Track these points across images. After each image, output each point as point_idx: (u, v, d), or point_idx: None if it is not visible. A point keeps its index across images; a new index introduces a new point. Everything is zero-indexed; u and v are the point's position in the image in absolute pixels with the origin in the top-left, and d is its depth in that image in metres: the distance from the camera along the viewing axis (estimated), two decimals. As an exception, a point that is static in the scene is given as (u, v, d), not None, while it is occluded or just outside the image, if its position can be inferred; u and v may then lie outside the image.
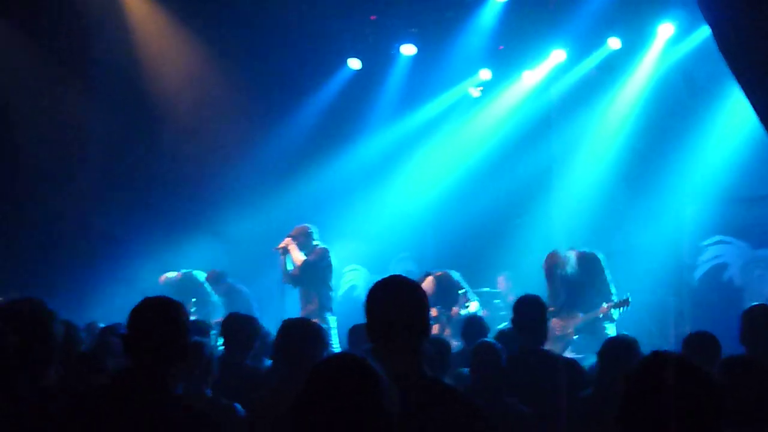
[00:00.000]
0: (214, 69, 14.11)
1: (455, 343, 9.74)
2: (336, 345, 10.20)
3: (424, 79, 14.40)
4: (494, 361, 5.55)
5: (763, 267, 11.96)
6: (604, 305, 9.53)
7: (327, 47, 14.07)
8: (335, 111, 14.74)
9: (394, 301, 3.38)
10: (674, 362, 2.66)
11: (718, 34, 7.77)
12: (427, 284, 10.72)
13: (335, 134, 14.66)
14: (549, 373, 5.81)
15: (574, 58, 13.36)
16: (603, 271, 9.75)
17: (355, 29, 13.91)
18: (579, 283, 9.81)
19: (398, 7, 13.35)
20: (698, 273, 12.31)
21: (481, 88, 14.55)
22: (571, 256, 9.86)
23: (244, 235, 13.87)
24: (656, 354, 2.72)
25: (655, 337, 11.43)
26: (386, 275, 3.53)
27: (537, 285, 9.58)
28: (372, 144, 14.72)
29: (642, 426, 2.62)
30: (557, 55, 13.37)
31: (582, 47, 13.12)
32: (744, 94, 7.75)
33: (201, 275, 12.75)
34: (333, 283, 11.29)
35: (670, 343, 11.20)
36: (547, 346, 6.53)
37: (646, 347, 5.26)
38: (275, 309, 11.37)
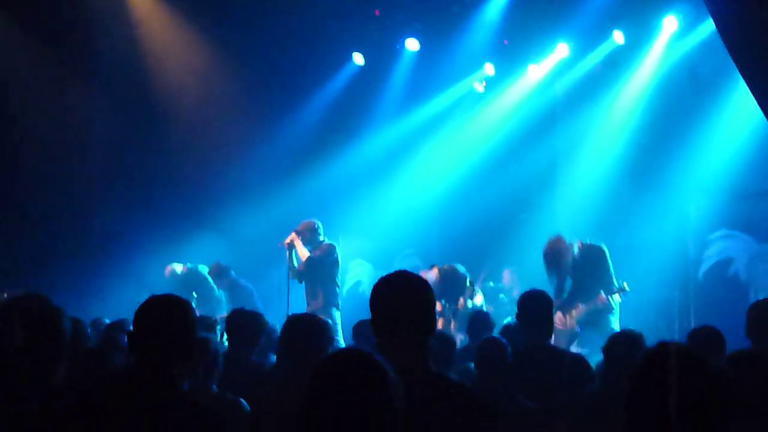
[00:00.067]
0: (217, 66, 14.11)
1: (461, 337, 9.76)
2: (341, 341, 10.21)
3: (429, 75, 14.40)
4: (500, 356, 5.54)
5: (768, 261, 11.96)
6: (602, 294, 9.51)
7: (331, 43, 14.07)
8: (340, 107, 14.75)
9: (399, 296, 3.38)
10: (678, 353, 2.65)
11: (723, 28, 7.77)
12: (431, 276, 10.74)
13: (340, 130, 14.66)
14: (554, 368, 5.81)
15: (579, 53, 13.34)
16: (606, 263, 9.73)
17: (359, 25, 13.91)
18: (582, 274, 9.80)
19: (402, 2, 13.36)
20: (703, 268, 12.28)
21: (484, 83, 14.53)
22: (575, 247, 9.84)
23: (249, 231, 13.88)
24: (661, 345, 2.71)
25: (661, 332, 11.42)
26: (391, 271, 3.53)
27: (542, 280, 9.57)
28: (377, 140, 14.71)
29: (647, 417, 2.61)
30: (561, 50, 13.35)
31: (586, 42, 13.10)
32: (748, 87, 7.75)
33: (205, 270, 12.77)
34: (339, 279, 11.30)
35: (675, 338, 11.18)
36: (551, 340, 6.53)
37: (651, 342, 5.24)
38: (280, 305, 11.39)
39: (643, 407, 2.62)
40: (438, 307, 9.91)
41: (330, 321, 9.37)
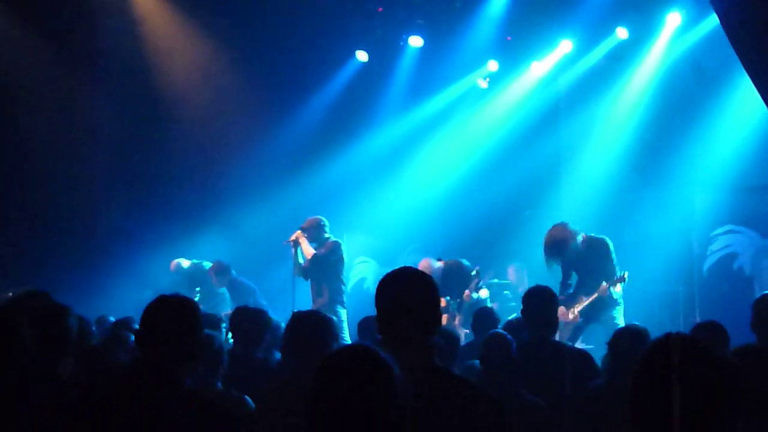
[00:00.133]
0: (221, 63, 14.12)
1: (465, 331, 9.77)
2: (347, 338, 10.22)
3: (432, 71, 14.39)
4: (505, 352, 5.53)
5: (773, 256, 11.96)
6: (604, 284, 9.50)
7: (334, 40, 14.08)
8: (343, 104, 14.74)
9: (404, 293, 3.38)
10: (683, 342, 2.64)
11: (727, 22, 7.77)
12: (431, 264, 10.78)
13: (344, 127, 14.66)
14: (559, 363, 5.81)
15: (582, 49, 13.33)
16: (610, 255, 9.72)
17: (362, 22, 13.90)
18: (587, 268, 9.80)
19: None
20: (708, 262, 12.28)
21: (488, 79, 14.53)
22: (579, 237, 9.84)
23: (254, 228, 13.89)
24: (666, 335, 2.70)
25: (666, 326, 11.39)
26: (396, 268, 3.53)
27: (547, 276, 9.57)
28: (380, 136, 14.71)
29: (652, 407, 2.61)
30: (565, 46, 13.34)
31: (590, 37, 13.09)
32: (752, 81, 7.75)
33: (209, 266, 12.77)
34: (344, 276, 11.29)
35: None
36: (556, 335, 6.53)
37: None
38: (286, 302, 11.40)
39: (648, 397, 2.61)
40: (442, 302, 9.92)
41: (335, 318, 9.41)
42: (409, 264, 3.76)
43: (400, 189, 14.81)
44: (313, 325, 5.12)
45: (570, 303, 9.78)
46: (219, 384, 5.33)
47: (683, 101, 12.45)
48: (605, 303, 9.60)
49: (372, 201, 14.55)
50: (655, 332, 5.53)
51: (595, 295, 9.58)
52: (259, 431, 4.65)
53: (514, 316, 8.22)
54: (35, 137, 13.15)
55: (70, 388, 4.35)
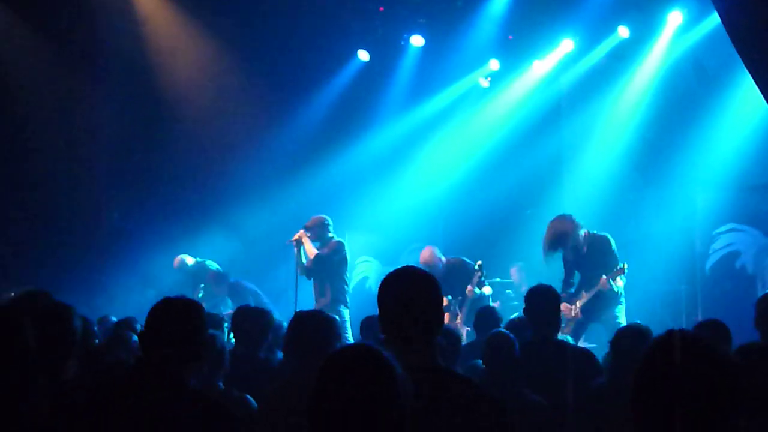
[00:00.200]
0: (223, 63, 14.12)
1: (467, 329, 9.76)
2: (350, 338, 10.21)
3: (434, 70, 14.40)
4: (508, 351, 5.54)
5: (775, 254, 11.95)
6: (603, 277, 9.49)
7: (336, 40, 14.08)
8: (345, 103, 14.74)
9: (407, 292, 3.38)
10: (684, 339, 2.64)
11: (728, 21, 7.77)
12: (432, 254, 10.80)
13: (345, 127, 14.66)
14: (562, 362, 5.81)
15: (584, 48, 13.33)
16: (612, 251, 9.72)
17: (363, 21, 13.90)
18: (589, 266, 9.80)
19: (406, -1, 13.38)
20: (711, 261, 12.27)
21: (489, 78, 14.53)
22: (581, 231, 9.83)
23: (256, 227, 13.89)
24: (668, 332, 2.70)
25: (668, 325, 11.32)
26: (398, 267, 3.53)
27: (550, 275, 9.56)
28: (382, 135, 14.71)
29: (654, 404, 2.60)
30: (566, 45, 13.34)
31: (591, 36, 13.10)
32: (753, 79, 7.75)
33: (213, 265, 12.76)
34: (347, 276, 11.28)
35: (682, 331, 11.15)
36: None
37: (659, 336, 5.24)
38: (288, 301, 11.40)
39: (650, 395, 2.61)
40: (444, 302, 9.91)
41: (338, 318, 9.40)
42: (411, 263, 3.76)
43: (402, 188, 14.81)
44: (315, 325, 5.12)
45: (572, 300, 9.78)
46: (221, 384, 5.33)
47: (685, 100, 12.45)
48: (606, 297, 9.57)
49: (373, 200, 14.55)
50: (657, 331, 5.52)
51: (596, 289, 9.57)
52: (262, 431, 4.66)
53: (516, 315, 8.23)
54: (36, 137, 13.15)
55: (73, 389, 4.35)
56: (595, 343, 9.45)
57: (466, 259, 11.02)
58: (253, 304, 8.85)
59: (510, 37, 13.69)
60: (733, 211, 12.12)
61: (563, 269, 10.15)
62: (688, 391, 2.52)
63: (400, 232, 14.80)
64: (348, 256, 11.22)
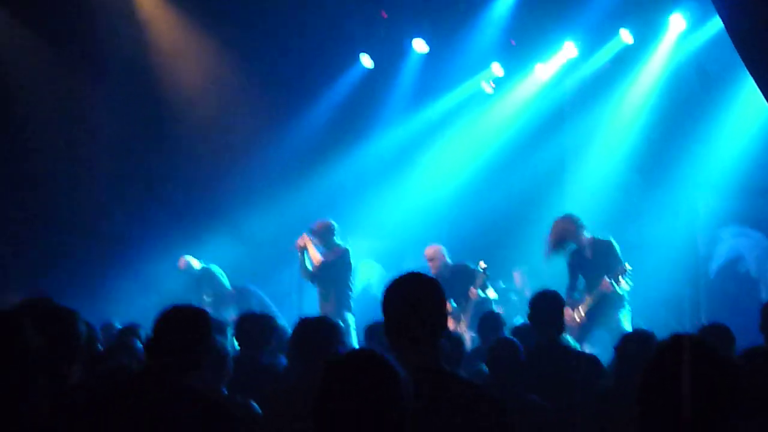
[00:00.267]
0: (225, 67, 14.13)
1: (471, 334, 9.74)
2: (354, 344, 10.19)
3: (437, 75, 14.40)
4: (512, 356, 5.54)
5: (779, 257, 11.95)
6: (605, 279, 9.48)
7: (338, 44, 14.09)
8: (348, 108, 14.74)
9: (411, 295, 3.40)
10: (691, 343, 2.65)
11: (729, 21, 7.77)
12: (437, 250, 10.80)
13: (348, 131, 14.66)
14: (567, 367, 5.81)
15: (586, 52, 13.32)
16: (616, 254, 9.72)
17: (366, 26, 13.91)
18: (592, 269, 9.80)
19: (409, 3, 13.36)
20: (714, 264, 12.26)
21: (493, 84, 14.53)
22: (585, 233, 9.84)
23: (259, 232, 13.88)
24: (674, 336, 2.72)
25: (672, 329, 11.36)
26: (401, 272, 3.54)
27: (553, 280, 9.56)
28: (385, 140, 14.71)
29: (660, 407, 2.61)
30: (569, 49, 13.34)
31: (594, 40, 13.09)
32: (756, 83, 7.74)
33: (217, 270, 12.75)
34: (352, 282, 11.26)
35: (686, 335, 11.13)
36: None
37: (663, 340, 5.24)
38: (293, 306, 11.39)
39: (656, 397, 2.62)
40: (448, 307, 9.90)
41: (343, 324, 9.40)
42: (415, 268, 3.77)
43: (406, 192, 14.79)
44: (319, 330, 5.13)
45: (577, 305, 9.77)
46: (224, 390, 5.33)
47: (687, 104, 12.45)
48: (610, 300, 9.57)
49: (377, 205, 14.53)
50: (661, 334, 5.53)
51: (599, 292, 9.57)
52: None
53: (520, 319, 8.23)
54: (37, 140, 13.16)
55: (74, 389, 4.37)
56: (599, 348, 9.44)
57: (470, 265, 11.02)
58: (258, 310, 8.84)
59: (513, 41, 13.69)
60: (737, 214, 12.12)
61: (568, 275, 10.15)
62: (693, 394, 2.53)
63: (404, 237, 14.78)
64: (353, 263, 11.20)
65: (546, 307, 6.17)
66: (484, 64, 14.20)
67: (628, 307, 9.72)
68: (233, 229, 14.11)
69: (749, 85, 9.30)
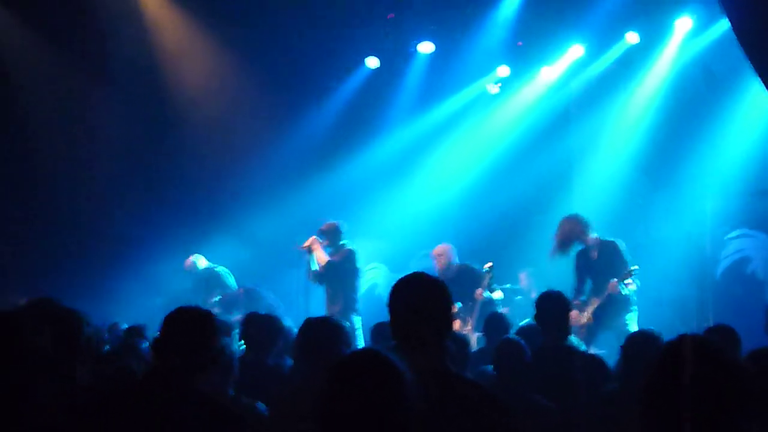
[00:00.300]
0: (231, 68, 14.15)
1: (477, 335, 9.73)
2: (361, 345, 10.18)
3: (443, 77, 14.40)
4: (518, 357, 5.54)
5: (786, 260, 11.92)
6: (613, 280, 9.47)
7: (345, 46, 14.09)
8: (354, 110, 14.75)
9: (417, 297, 3.40)
10: (694, 343, 2.64)
11: (738, 25, 7.75)
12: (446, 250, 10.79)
13: (354, 133, 14.66)
14: (573, 368, 5.80)
15: (593, 53, 13.33)
16: (621, 255, 9.71)
17: (372, 28, 13.91)
18: (599, 271, 9.79)
19: (415, 5, 13.36)
20: (721, 266, 12.23)
21: (500, 84, 14.52)
22: (592, 233, 9.84)
23: (265, 233, 13.89)
24: (679, 337, 2.71)
25: (678, 330, 11.29)
26: (407, 273, 3.54)
27: (559, 281, 9.54)
28: (391, 142, 14.71)
29: (663, 407, 2.60)
30: (575, 51, 13.34)
31: (600, 42, 13.09)
32: (763, 83, 7.73)
33: (223, 270, 12.76)
34: (358, 284, 11.25)
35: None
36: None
37: (669, 341, 5.23)
38: (299, 307, 11.39)
39: (659, 399, 2.61)
40: (454, 308, 9.89)
41: (349, 325, 9.39)
42: (420, 269, 3.77)
43: (411, 194, 14.79)
44: (325, 331, 5.13)
45: (583, 307, 9.76)
46: (231, 391, 5.33)
47: (694, 105, 12.42)
48: (617, 302, 9.56)
49: (382, 207, 14.53)
50: (667, 336, 5.52)
51: (606, 293, 9.56)
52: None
53: (526, 321, 8.21)
54: (45, 143, 13.20)
55: (86, 394, 4.38)
56: (605, 349, 9.42)
57: (475, 265, 11.01)
58: (265, 311, 8.84)
59: (519, 43, 13.68)
60: (743, 216, 12.09)
61: (574, 276, 10.15)
62: (697, 395, 2.52)
63: (409, 239, 14.78)
64: (360, 265, 11.19)
65: (551, 308, 6.16)
66: (491, 66, 14.20)
67: (635, 309, 9.71)
68: (237, 230, 14.12)
69: (756, 86, 9.28)
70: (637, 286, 9.63)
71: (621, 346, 5.46)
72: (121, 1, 13.12)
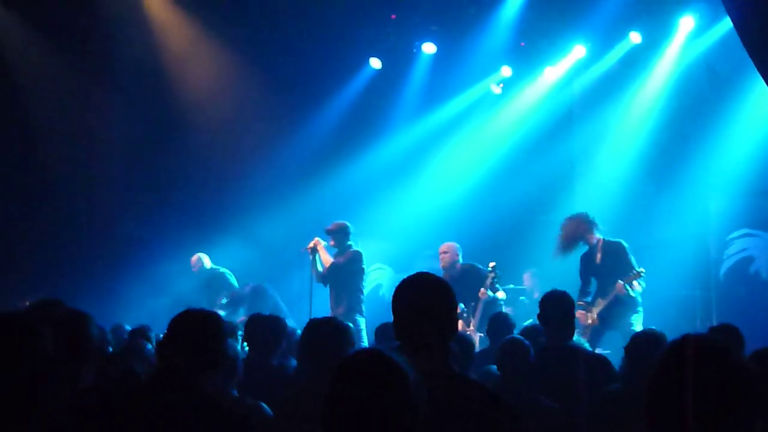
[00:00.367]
0: (235, 69, 14.15)
1: (480, 335, 9.73)
2: (365, 346, 10.18)
3: (446, 77, 14.40)
4: (522, 357, 5.54)
5: (790, 259, 11.91)
6: (619, 282, 9.47)
7: (348, 47, 14.09)
8: (357, 111, 14.76)
9: (421, 298, 3.39)
10: (697, 342, 2.63)
11: (741, 25, 7.75)
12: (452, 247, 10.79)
13: (358, 133, 14.67)
14: (576, 368, 5.80)
15: (596, 54, 13.33)
16: (627, 256, 9.71)
17: (375, 29, 13.91)
18: (604, 272, 9.78)
19: (418, 5, 13.36)
20: (725, 267, 12.22)
21: (502, 84, 14.53)
22: (597, 237, 9.84)
23: (270, 234, 13.90)
24: (683, 337, 2.70)
25: (683, 331, 11.26)
26: (412, 273, 3.54)
27: (563, 281, 9.54)
28: (395, 143, 14.72)
29: (667, 410, 2.60)
30: (578, 51, 13.33)
31: (603, 42, 13.09)
32: (766, 83, 7.72)
33: (227, 272, 12.77)
34: (363, 285, 11.24)
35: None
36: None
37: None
38: (303, 308, 11.39)
39: (664, 398, 2.61)
40: (457, 309, 9.88)
41: (354, 327, 9.39)
42: (425, 269, 3.76)
43: (415, 195, 14.79)
44: (329, 332, 5.13)
45: (589, 308, 9.76)
46: (234, 392, 5.33)
47: (697, 105, 12.43)
48: (623, 303, 9.55)
49: (386, 207, 14.54)
50: (672, 336, 5.51)
51: (612, 294, 9.55)
52: (276, 438, 4.67)
53: (530, 321, 8.21)
54: (51, 145, 13.22)
55: (87, 392, 4.39)
56: (609, 349, 9.42)
57: (479, 265, 11.01)
58: (270, 309, 8.85)
59: (522, 43, 13.68)
60: (747, 216, 12.08)
61: (579, 277, 10.14)
62: (701, 396, 2.52)
63: (413, 239, 14.78)
64: (365, 267, 11.19)
65: (555, 307, 6.16)
66: (493, 67, 14.20)
67: (640, 310, 9.70)
68: (242, 231, 14.12)
69: (759, 86, 9.28)
70: (642, 287, 9.63)
71: (624, 347, 5.46)
72: (124, 3, 13.12)
